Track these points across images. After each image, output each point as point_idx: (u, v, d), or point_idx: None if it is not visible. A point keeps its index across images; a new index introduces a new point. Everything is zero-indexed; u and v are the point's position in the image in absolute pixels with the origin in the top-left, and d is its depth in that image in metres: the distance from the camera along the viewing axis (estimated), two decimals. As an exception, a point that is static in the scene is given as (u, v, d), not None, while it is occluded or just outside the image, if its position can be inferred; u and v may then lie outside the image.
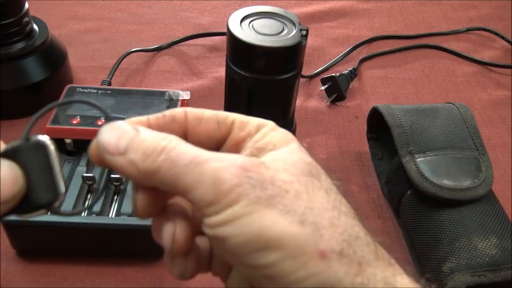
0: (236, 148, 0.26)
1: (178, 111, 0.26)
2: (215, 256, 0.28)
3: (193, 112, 0.26)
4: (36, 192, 0.22)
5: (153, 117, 0.25)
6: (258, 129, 0.26)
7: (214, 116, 0.27)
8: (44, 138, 0.24)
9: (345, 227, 0.23)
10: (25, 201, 0.22)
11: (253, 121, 0.26)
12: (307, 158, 0.25)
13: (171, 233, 0.24)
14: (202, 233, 0.25)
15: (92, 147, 0.24)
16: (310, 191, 0.23)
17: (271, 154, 0.25)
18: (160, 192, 0.25)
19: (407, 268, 0.24)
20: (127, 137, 0.23)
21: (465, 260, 0.39)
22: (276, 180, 0.23)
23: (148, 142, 0.23)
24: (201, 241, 0.28)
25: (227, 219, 0.22)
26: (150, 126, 0.25)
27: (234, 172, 0.22)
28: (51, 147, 0.23)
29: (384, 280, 0.22)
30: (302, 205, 0.22)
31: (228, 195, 0.22)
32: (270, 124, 0.27)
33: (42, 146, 0.23)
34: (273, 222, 0.22)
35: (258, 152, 0.25)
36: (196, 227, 0.26)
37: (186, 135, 0.26)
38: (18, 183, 0.22)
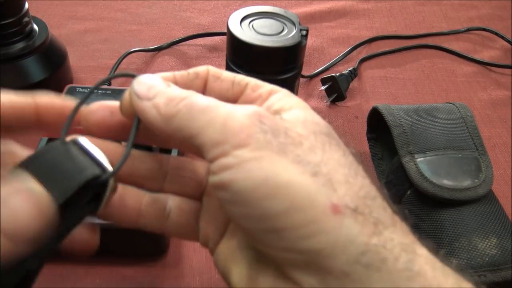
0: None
1: (201, 68, 0.27)
2: (205, 220, 0.28)
3: (213, 69, 0.27)
4: (77, 174, 0.22)
5: (178, 73, 0.26)
6: (270, 93, 0.26)
7: (231, 77, 0.27)
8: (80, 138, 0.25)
9: (361, 186, 0.22)
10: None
11: (266, 86, 0.26)
12: (327, 123, 0.24)
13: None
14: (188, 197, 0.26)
15: (126, 93, 0.25)
16: (327, 149, 0.22)
17: (289, 112, 0.24)
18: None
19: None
20: (157, 86, 0.24)
21: (465, 260, 0.39)
22: (291, 131, 0.22)
23: (174, 91, 0.24)
24: (187, 203, 0.28)
25: (234, 161, 0.21)
26: (175, 81, 0.26)
27: (247, 115, 0.22)
28: (83, 138, 0.24)
29: (402, 246, 0.21)
30: (316, 159, 0.21)
31: (236, 135, 0.21)
32: (284, 90, 0.26)
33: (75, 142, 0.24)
34: (282, 169, 0.21)
35: (274, 113, 0.24)
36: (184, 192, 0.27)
37: (204, 91, 0.27)
38: (44, 211, 0.21)
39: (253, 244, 0.24)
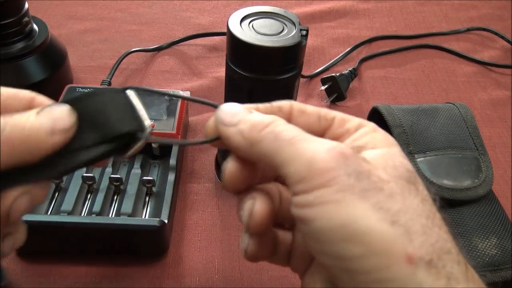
0: None
1: (284, 103, 0.27)
2: (296, 249, 0.28)
3: (298, 104, 0.27)
4: (117, 123, 0.25)
5: (262, 105, 0.27)
6: (357, 128, 0.26)
7: (317, 111, 0.27)
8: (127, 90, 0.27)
9: (437, 238, 0.22)
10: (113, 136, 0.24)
11: (354, 120, 0.26)
12: (408, 164, 0.24)
13: (250, 208, 0.26)
14: (285, 228, 0.26)
15: (210, 120, 0.26)
16: (406, 195, 0.22)
17: (371, 151, 0.24)
18: (251, 170, 0.26)
19: None
20: (241, 113, 0.25)
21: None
22: (373, 175, 0.22)
23: (257, 117, 0.25)
24: (284, 235, 0.28)
25: (315, 200, 0.21)
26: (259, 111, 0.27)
27: (332, 155, 0.22)
28: (131, 92, 0.27)
29: None
30: (396, 206, 0.22)
31: (321, 175, 0.22)
32: (371, 124, 0.26)
33: (120, 90, 0.26)
34: (362, 215, 0.21)
35: (358, 150, 0.25)
36: (280, 218, 0.27)
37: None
38: (70, 117, 0.24)
39: (330, 278, 0.25)
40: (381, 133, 0.26)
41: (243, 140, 0.24)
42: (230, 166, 0.26)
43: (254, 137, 0.24)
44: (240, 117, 0.25)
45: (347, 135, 0.26)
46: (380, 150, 0.24)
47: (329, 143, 0.23)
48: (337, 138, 0.26)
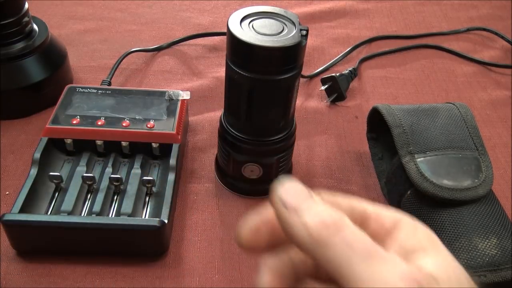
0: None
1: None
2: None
3: (325, 196, 0.25)
4: None
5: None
6: (395, 224, 0.24)
7: (349, 203, 0.25)
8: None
9: None
10: None
11: (389, 214, 0.25)
12: (464, 272, 0.23)
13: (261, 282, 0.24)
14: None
15: (272, 195, 0.24)
16: None
17: (425, 260, 0.23)
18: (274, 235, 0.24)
19: None
20: (304, 197, 0.23)
21: (465, 260, 0.39)
22: None
23: (326, 213, 0.22)
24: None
25: None
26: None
27: (407, 284, 0.21)
28: None
29: None
30: None
31: None
32: (407, 220, 0.25)
33: None
34: None
35: (406, 253, 0.23)
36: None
37: None
38: None
39: None
40: (421, 230, 0.24)
41: (307, 237, 0.21)
42: (251, 224, 0.24)
43: (322, 239, 0.21)
44: (306, 205, 0.22)
45: (388, 236, 0.24)
46: (434, 258, 0.23)
47: (401, 267, 0.21)
48: (376, 237, 0.24)
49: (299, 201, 0.22)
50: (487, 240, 0.39)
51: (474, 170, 0.44)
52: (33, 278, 0.41)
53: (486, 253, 0.39)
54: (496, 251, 0.39)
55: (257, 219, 0.25)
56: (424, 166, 0.44)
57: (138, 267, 0.42)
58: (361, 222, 0.25)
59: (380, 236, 0.24)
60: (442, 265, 0.23)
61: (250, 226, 0.25)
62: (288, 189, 0.23)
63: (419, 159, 0.45)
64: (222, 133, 0.46)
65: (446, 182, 0.43)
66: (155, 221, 0.40)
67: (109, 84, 0.59)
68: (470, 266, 0.38)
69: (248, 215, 0.25)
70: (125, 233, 0.40)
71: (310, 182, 0.52)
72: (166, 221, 0.41)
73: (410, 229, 0.24)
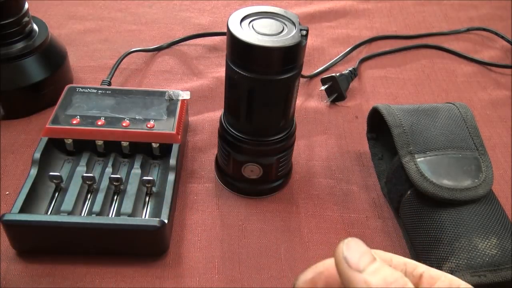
0: None
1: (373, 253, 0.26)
2: None
3: (381, 255, 0.27)
4: None
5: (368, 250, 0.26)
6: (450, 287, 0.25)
7: (402, 264, 0.27)
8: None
9: None
10: None
11: (444, 278, 0.26)
12: None
13: None
14: None
15: (336, 256, 0.25)
16: None
17: None
18: None
19: None
20: (368, 258, 0.24)
21: (465, 260, 0.39)
22: None
23: (388, 272, 0.24)
24: None
25: None
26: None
27: None
28: None
29: None
30: None
31: None
32: (462, 284, 0.25)
33: None
34: None
35: None
36: None
37: None
38: None
39: None
40: None
41: None
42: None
43: None
44: (367, 262, 0.24)
45: None
46: None
47: None
48: None
49: (362, 260, 0.24)
50: (487, 240, 0.39)
51: (474, 170, 0.44)
52: (33, 278, 0.41)
53: (486, 253, 0.39)
54: (496, 251, 0.39)
55: (313, 272, 0.27)
56: (424, 166, 0.44)
57: (138, 267, 0.42)
58: (415, 283, 0.26)
59: None
60: None
61: (306, 277, 0.27)
62: (352, 248, 0.25)
63: (419, 159, 0.45)
64: (222, 133, 0.46)
65: (446, 182, 0.43)
66: (155, 221, 0.40)
67: (109, 84, 0.59)
68: (470, 266, 0.38)
69: (305, 270, 0.27)
70: (125, 233, 0.40)
71: (310, 182, 0.52)
72: (166, 221, 0.41)
73: None
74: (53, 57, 0.57)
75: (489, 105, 0.65)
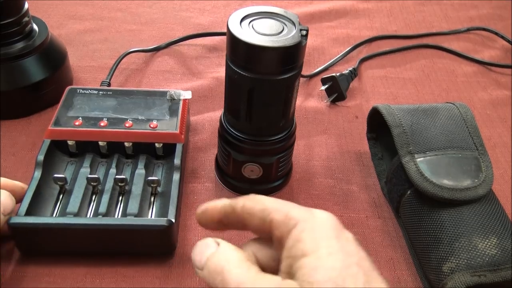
0: (281, 247, 0.28)
1: (239, 203, 0.30)
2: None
3: (249, 205, 0.30)
4: None
5: (220, 204, 0.31)
6: (288, 228, 0.28)
7: (260, 211, 0.29)
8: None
9: None
10: None
11: (287, 220, 0.28)
12: (341, 271, 0.26)
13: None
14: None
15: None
16: None
17: (306, 265, 0.26)
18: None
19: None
20: (206, 253, 0.29)
21: (465, 260, 0.39)
22: None
23: (213, 264, 0.28)
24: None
25: None
26: (219, 211, 0.31)
27: None
28: None
29: None
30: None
31: None
32: (296, 219, 0.28)
33: None
34: None
35: (293, 261, 0.26)
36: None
37: (245, 226, 0.30)
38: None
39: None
40: (307, 231, 0.27)
41: (208, 283, 0.28)
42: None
43: (212, 284, 0.28)
44: (205, 262, 0.29)
45: (285, 240, 0.28)
46: (313, 262, 0.26)
47: None
48: (279, 240, 0.28)
49: (202, 259, 0.29)
50: (487, 240, 0.39)
51: (474, 170, 0.44)
52: (33, 278, 0.41)
53: (486, 253, 0.39)
54: (496, 251, 0.39)
55: (207, 205, 0.31)
56: (424, 166, 0.44)
57: (138, 267, 0.42)
58: (269, 229, 0.29)
59: (282, 240, 0.28)
60: (320, 270, 0.26)
61: (202, 209, 0.32)
62: (196, 252, 0.29)
63: (419, 159, 0.45)
64: (222, 133, 0.46)
65: (446, 182, 0.43)
66: (163, 221, 0.40)
67: (109, 84, 0.58)
68: (470, 266, 0.38)
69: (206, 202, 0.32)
70: (133, 233, 0.40)
71: (310, 182, 0.52)
72: (173, 220, 0.41)
73: (297, 234, 0.27)
74: (53, 57, 0.57)
75: (489, 105, 0.65)
